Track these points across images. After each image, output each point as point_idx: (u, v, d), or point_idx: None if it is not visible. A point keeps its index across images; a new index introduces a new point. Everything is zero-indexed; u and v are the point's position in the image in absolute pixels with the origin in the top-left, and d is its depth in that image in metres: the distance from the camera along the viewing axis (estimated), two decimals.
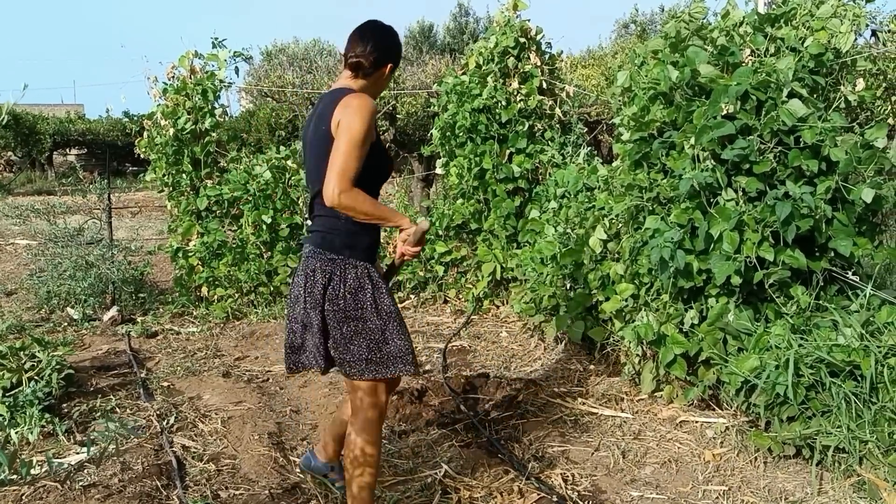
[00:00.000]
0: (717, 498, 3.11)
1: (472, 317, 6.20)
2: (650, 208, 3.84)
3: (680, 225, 3.55)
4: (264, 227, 6.37)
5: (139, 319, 6.23)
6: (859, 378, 3.02)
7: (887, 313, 3.15)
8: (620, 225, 4.38)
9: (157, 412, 4.18)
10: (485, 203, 6.42)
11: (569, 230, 5.06)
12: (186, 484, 3.36)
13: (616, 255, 4.46)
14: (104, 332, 5.98)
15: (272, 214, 6.36)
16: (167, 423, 4.02)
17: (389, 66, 2.69)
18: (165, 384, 4.75)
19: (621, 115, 4.23)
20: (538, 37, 6.35)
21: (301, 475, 3.38)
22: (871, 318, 3.20)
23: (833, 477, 3.11)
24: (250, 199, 6.35)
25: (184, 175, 6.50)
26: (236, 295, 6.48)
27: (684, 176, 3.55)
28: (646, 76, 4.01)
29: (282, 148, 6.75)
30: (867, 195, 3.28)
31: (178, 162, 6.50)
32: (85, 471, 3.43)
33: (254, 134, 18.45)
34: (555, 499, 3.07)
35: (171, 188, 6.62)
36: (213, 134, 6.57)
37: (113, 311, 6.21)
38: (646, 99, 3.99)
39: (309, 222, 2.74)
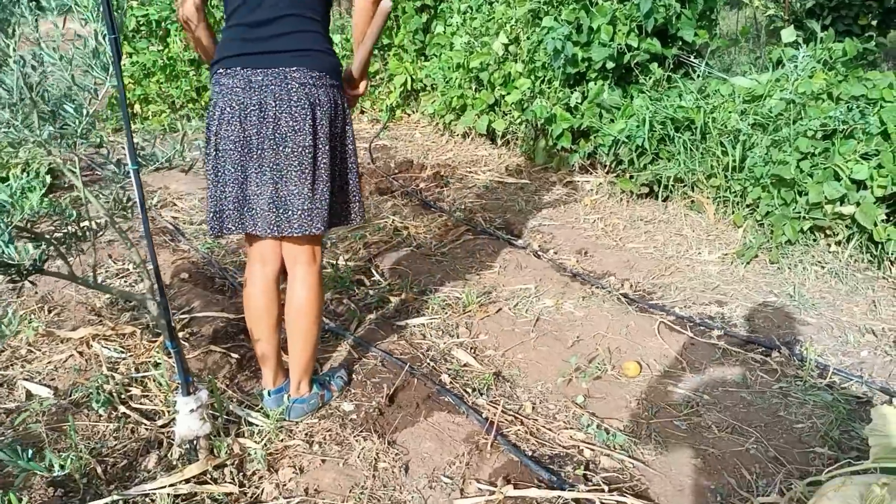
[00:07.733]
0: (594, 221, 4.30)
1: (388, 124, 7.09)
2: (545, 10, 4.77)
3: (568, 22, 4.51)
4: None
5: None
6: (694, 130, 4.19)
7: (715, 83, 4.30)
8: (520, 29, 5.30)
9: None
10: (394, 20, 7.13)
11: (473, 40, 5.94)
12: (189, 239, 4.23)
13: (516, 57, 5.41)
14: None
15: None
16: (152, 203, 4.80)
17: None
18: None
19: None
20: None
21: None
22: (704, 86, 4.35)
23: (674, 205, 4.34)
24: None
25: None
26: (168, 111, 7.06)
27: None
28: None
29: None
30: None
31: None
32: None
33: None
34: (478, 229, 4.17)
35: None
36: None
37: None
38: None
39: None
